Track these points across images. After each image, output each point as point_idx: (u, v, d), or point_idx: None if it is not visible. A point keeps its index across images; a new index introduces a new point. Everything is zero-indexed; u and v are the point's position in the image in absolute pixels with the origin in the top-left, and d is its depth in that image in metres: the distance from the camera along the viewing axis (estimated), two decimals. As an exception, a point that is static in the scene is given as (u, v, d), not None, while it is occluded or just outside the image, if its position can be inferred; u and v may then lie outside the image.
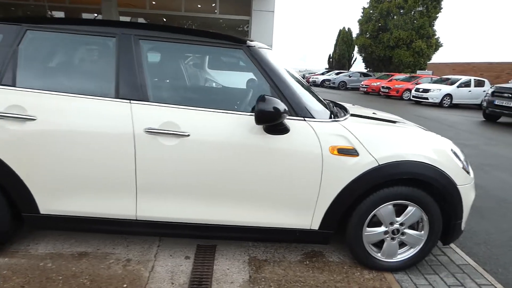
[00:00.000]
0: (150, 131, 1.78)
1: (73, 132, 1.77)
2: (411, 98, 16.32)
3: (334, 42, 34.19)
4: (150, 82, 1.89)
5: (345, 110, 2.41)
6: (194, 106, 1.85)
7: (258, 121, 1.72)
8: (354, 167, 1.90)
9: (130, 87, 1.82)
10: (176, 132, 1.78)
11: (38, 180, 1.81)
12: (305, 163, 1.88)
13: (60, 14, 10.47)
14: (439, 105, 14.35)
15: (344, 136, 1.91)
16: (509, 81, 12.22)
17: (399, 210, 2.04)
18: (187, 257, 2.13)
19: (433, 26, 24.76)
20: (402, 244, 2.13)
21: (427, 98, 14.84)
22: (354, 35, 30.93)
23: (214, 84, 3.37)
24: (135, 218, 1.91)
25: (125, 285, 1.81)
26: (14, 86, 1.79)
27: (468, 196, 2.07)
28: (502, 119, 10.02)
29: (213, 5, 10.47)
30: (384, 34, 25.16)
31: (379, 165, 1.90)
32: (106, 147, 1.79)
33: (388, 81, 19.38)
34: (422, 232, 2.09)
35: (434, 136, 2.14)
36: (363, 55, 28.52)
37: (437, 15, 24.48)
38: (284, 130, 1.84)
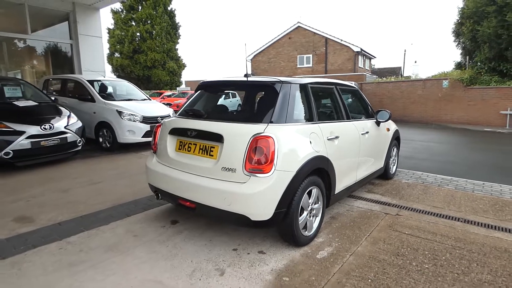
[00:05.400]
0: (363, 133, 3.61)
1: (347, 138, 3.29)
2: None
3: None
4: (349, 110, 3.62)
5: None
6: (364, 119, 3.84)
7: (386, 120, 4.00)
8: (390, 133, 4.58)
9: (348, 112, 3.52)
10: (367, 132, 3.72)
11: (338, 170, 3.13)
12: (385, 136, 4.35)
13: None
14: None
15: (388, 125, 4.51)
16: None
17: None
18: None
19: (177, 50, 29.61)
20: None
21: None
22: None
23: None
24: (355, 181, 3.62)
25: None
26: (312, 122, 3.00)
27: None
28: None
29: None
30: (139, 55, 27.19)
31: (393, 132, 4.69)
32: (353, 143, 3.43)
33: (162, 98, 21.91)
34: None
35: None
36: (116, 74, 29.08)
37: (178, 41, 29.48)
38: (380, 123, 4.20)
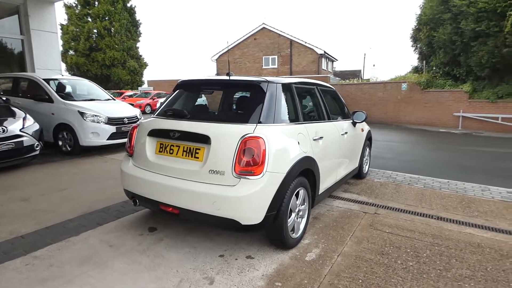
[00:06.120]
0: (342, 134, 3.66)
1: (330, 138, 3.30)
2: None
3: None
4: (329, 110, 3.65)
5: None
6: (341, 120, 3.89)
7: (363, 121, 4.10)
8: (364, 134, 4.71)
9: (329, 113, 3.54)
10: (346, 133, 3.78)
11: (323, 170, 3.12)
12: (360, 137, 4.46)
13: None
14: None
15: (362, 125, 4.63)
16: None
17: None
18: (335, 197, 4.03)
19: (138, 48, 28.49)
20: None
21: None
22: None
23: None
24: (335, 181, 3.65)
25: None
26: (298, 122, 2.97)
27: None
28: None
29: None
30: (97, 53, 25.77)
31: (367, 133, 4.82)
32: (335, 143, 3.46)
33: (123, 99, 20.95)
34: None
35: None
36: (71, 72, 27.39)
37: (139, 39, 28.37)
38: (356, 124, 4.30)
